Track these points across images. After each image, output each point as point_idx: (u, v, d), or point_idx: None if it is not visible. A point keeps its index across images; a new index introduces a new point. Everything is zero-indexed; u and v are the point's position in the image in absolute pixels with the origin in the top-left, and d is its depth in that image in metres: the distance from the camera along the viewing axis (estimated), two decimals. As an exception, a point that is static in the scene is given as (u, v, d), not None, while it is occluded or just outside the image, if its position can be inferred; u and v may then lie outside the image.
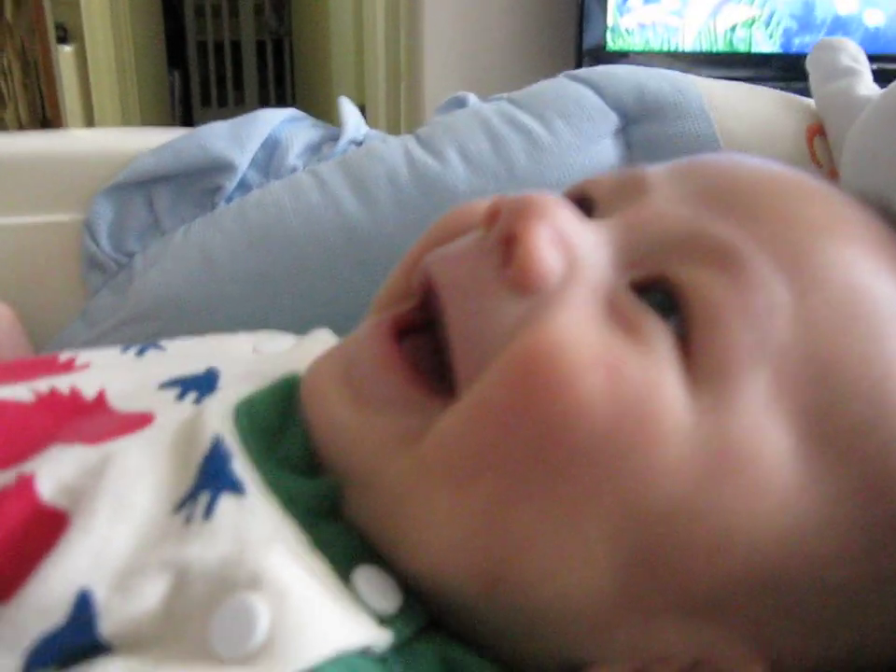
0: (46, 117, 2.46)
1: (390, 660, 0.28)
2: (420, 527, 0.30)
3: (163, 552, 0.28)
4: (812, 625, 0.31)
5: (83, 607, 0.27)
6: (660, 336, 0.30)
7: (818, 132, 0.71)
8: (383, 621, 0.29)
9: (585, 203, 0.37)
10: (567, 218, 0.33)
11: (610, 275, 0.32)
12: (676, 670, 0.30)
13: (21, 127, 2.13)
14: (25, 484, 0.30)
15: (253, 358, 0.43)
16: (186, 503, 0.30)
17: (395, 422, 0.32)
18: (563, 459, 0.28)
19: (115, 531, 0.29)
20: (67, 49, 3.07)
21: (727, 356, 0.30)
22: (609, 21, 1.65)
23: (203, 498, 0.30)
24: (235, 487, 0.30)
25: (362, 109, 2.30)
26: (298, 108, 0.75)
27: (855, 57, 0.72)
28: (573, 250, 0.32)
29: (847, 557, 0.30)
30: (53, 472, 0.31)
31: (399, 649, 0.29)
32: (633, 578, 0.29)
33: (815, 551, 0.30)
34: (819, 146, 0.71)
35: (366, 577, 0.30)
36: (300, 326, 0.62)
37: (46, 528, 0.29)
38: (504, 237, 0.32)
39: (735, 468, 0.29)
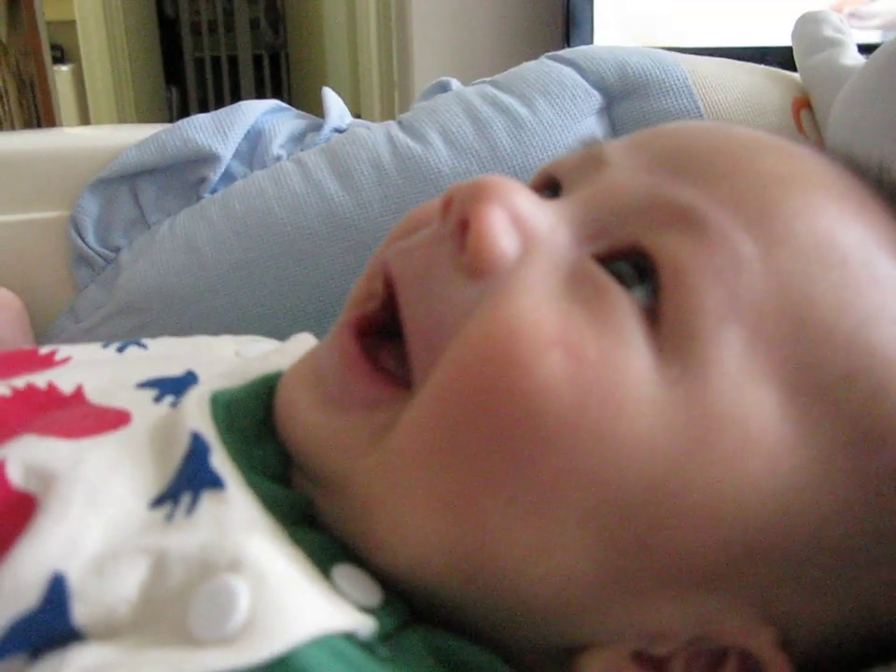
0: (43, 135, 2.46)
1: (377, 647, 0.28)
2: (392, 526, 0.30)
3: (142, 540, 0.28)
4: (818, 587, 0.30)
5: (56, 590, 0.26)
6: (624, 308, 0.29)
7: (804, 104, 0.71)
8: (366, 612, 0.28)
9: (552, 185, 0.36)
10: (522, 199, 0.32)
11: (571, 250, 0.31)
12: (678, 646, 0.29)
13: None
14: None
15: (234, 361, 0.43)
16: (166, 501, 0.30)
17: (362, 420, 0.31)
18: (526, 445, 0.28)
19: (90, 518, 0.28)
20: (64, 69, 3.09)
21: (695, 319, 0.29)
22: (597, 19, 1.65)
23: (186, 499, 0.29)
24: (216, 483, 0.30)
25: (358, 118, 2.31)
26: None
27: (838, 28, 0.72)
28: (529, 229, 0.31)
29: (845, 512, 0.29)
30: (24, 457, 0.30)
31: (385, 638, 0.28)
32: (618, 558, 0.28)
33: (811, 509, 0.29)
34: (805, 118, 0.70)
35: (344, 573, 0.29)
36: (286, 312, 0.63)
37: (15, 512, 0.28)
38: (458, 223, 0.31)
39: (715, 435, 0.28)
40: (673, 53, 0.71)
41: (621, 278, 0.30)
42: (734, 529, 0.28)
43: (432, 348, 0.30)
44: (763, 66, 0.76)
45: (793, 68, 0.76)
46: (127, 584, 0.26)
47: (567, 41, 1.66)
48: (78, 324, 0.65)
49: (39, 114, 2.49)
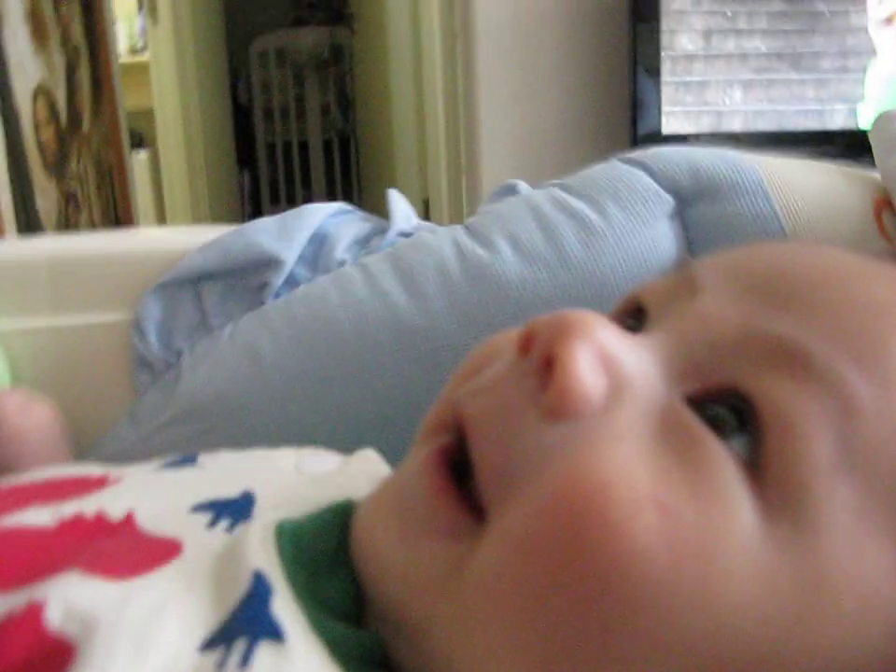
0: (119, 219, 2.54)
1: None
2: None
3: None
4: None
5: None
6: (722, 461, 0.27)
7: (886, 205, 0.68)
8: None
9: (638, 312, 0.34)
10: (610, 336, 0.30)
11: (662, 392, 0.29)
12: None
13: (94, 230, 2.20)
14: (34, 611, 0.28)
15: (295, 480, 0.42)
16: (218, 645, 0.27)
17: (440, 550, 0.29)
18: (617, 612, 0.25)
19: (136, 670, 0.26)
20: (142, 155, 3.20)
21: (804, 472, 0.26)
22: (665, 106, 1.65)
23: (240, 645, 0.27)
24: (275, 634, 0.28)
25: (426, 203, 2.33)
26: (364, 204, 0.75)
27: (920, 127, 0.69)
28: (618, 369, 0.29)
29: None
30: (66, 599, 0.28)
31: None
32: None
33: None
34: (888, 220, 0.67)
35: None
36: (349, 422, 0.61)
37: (50, 660, 0.26)
38: (542, 360, 0.30)
39: (830, 600, 0.26)
40: (746, 154, 0.69)
41: (717, 424, 0.28)
42: None
43: (504, 485, 0.28)
44: (838, 166, 0.73)
45: (861, 153, 0.74)
46: None
47: (634, 128, 1.65)
48: (138, 430, 0.64)
49: (116, 199, 2.57)
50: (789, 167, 0.70)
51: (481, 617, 0.27)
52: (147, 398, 0.66)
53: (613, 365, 0.29)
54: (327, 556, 0.32)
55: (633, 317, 0.34)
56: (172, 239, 0.75)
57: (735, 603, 0.25)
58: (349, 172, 4.35)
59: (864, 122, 1.63)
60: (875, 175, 0.72)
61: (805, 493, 0.26)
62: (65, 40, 2.13)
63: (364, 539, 0.32)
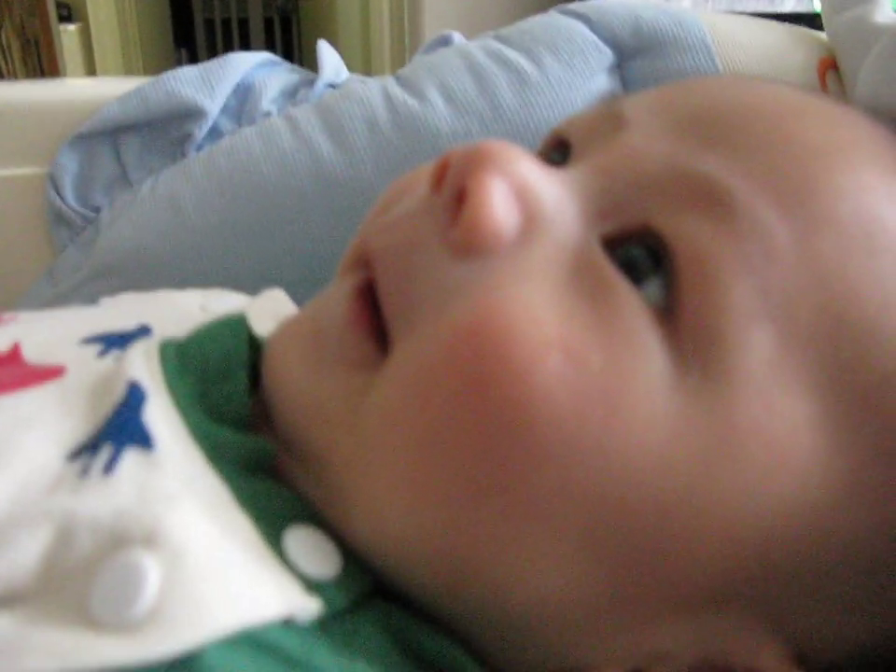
0: (48, 95, 2.43)
1: (320, 633, 0.25)
2: (371, 511, 0.27)
3: (50, 501, 0.25)
4: (843, 603, 0.27)
5: None
6: (634, 308, 0.26)
7: (830, 65, 0.66)
8: (316, 587, 0.25)
9: (562, 146, 0.32)
10: (528, 167, 0.28)
11: (579, 230, 0.28)
12: (682, 667, 0.26)
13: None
14: None
15: (198, 317, 0.40)
16: (83, 453, 0.26)
17: (345, 380, 0.28)
18: (517, 457, 0.24)
19: None
20: (71, 28, 3.04)
21: (718, 318, 0.25)
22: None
23: (105, 451, 0.26)
24: (144, 440, 0.27)
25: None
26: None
27: (869, -17, 0.67)
28: (534, 204, 0.28)
29: (881, 529, 0.26)
30: None
31: (334, 619, 0.25)
32: (622, 581, 0.25)
33: (841, 525, 0.26)
34: (831, 80, 0.66)
35: (299, 537, 0.26)
36: (271, 277, 0.59)
37: None
38: (454, 193, 0.28)
39: (739, 451, 0.25)
40: (691, 10, 0.67)
41: (632, 267, 0.26)
42: (754, 548, 0.25)
43: (410, 326, 0.27)
44: (785, 24, 0.71)
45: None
46: (28, 552, 0.23)
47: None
48: (56, 287, 0.61)
49: (44, 73, 2.45)
50: (733, 23, 0.68)
51: (380, 452, 0.26)
52: (66, 254, 0.63)
53: (529, 200, 0.28)
54: (219, 363, 0.31)
55: (557, 151, 0.33)
56: (93, 89, 0.71)
57: (641, 451, 0.24)
58: (291, 52, 4.21)
59: (818, 5, 1.60)
60: (822, 35, 0.70)
61: (718, 341, 0.25)
62: None
63: (275, 365, 0.31)
